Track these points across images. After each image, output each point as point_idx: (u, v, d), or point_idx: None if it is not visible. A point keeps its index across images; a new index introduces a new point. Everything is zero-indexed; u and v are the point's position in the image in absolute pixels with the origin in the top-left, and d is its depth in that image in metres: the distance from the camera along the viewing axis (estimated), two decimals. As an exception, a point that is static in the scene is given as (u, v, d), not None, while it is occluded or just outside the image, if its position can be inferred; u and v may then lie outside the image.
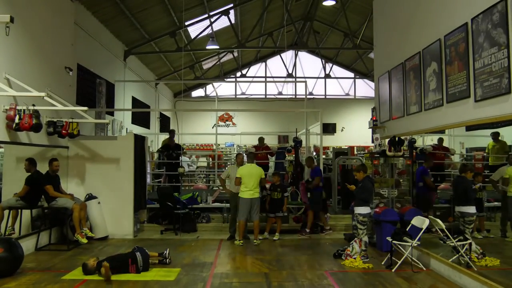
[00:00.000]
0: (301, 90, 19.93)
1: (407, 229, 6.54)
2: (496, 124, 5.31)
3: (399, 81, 7.85)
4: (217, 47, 15.03)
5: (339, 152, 12.12)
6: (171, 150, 11.59)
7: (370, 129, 9.18)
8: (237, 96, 21.81)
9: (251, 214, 8.03)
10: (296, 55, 20.86)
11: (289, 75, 20.43)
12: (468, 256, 6.01)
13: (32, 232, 7.38)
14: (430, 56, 6.59)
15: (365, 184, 6.94)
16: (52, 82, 7.77)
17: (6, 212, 6.95)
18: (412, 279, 5.79)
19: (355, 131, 19.60)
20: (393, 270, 6.10)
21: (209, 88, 22.00)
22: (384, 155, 8.16)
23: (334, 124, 20.27)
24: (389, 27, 8.65)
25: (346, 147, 16.17)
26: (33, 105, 6.60)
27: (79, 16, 9.77)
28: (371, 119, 9.16)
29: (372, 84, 19.87)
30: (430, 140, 11.11)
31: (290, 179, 10.55)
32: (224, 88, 22.04)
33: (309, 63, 21.83)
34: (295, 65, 20.86)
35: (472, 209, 6.53)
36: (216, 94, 16.81)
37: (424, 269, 6.22)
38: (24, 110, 6.46)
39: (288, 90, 20.88)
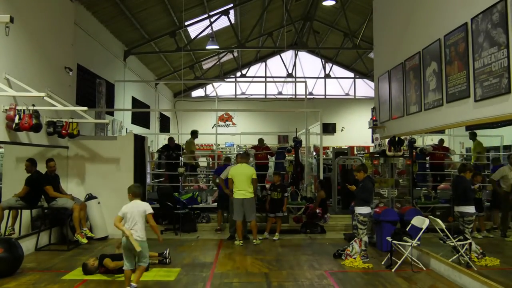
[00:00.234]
0: (301, 90, 19.92)
1: (407, 229, 6.54)
2: (496, 124, 5.31)
3: (399, 81, 7.85)
4: (217, 47, 15.02)
5: (339, 152, 12.13)
6: (171, 150, 11.62)
7: (370, 129, 9.18)
8: (237, 96, 21.81)
9: (246, 215, 8.02)
10: (296, 55, 20.85)
11: (289, 75, 20.43)
12: (468, 256, 6.01)
13: (32, 232, 7.38)
14: (430, 56, 6.59)
15: (365, 184, 6.94)
16: (52, 82, 7.77)
17: (6, 212, 6.96)
18: (412, 279, 5.79)
19: (355, 131, 19.61)
20: (393, 270, 6.10)
21: (209, 88, 21.99)
22: (384, 155, 8.16)
23: (334, 124, 20.30)
24: (389, 27, 8.65)
25: (346, 147, 16.19)
26: (33, 105, 6.59)
27: (79, 16, 9.78)
28: (371, 119, 9.16)
29: (372, 84, 19.87)
30: (430, 140, 11.12)
31: (290, 179, 10.56)
32: (224, 88, 22.03)
33: (309, 63, 21.82)
34: (295, 65, 20.86)
35: (471, 209, 6.52)
36: (216, 94, 16.80)
37: (424, 269, 6.22)
38: (24, 110, 6.46)
39: (288, 90, 20.88)
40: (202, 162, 17.01)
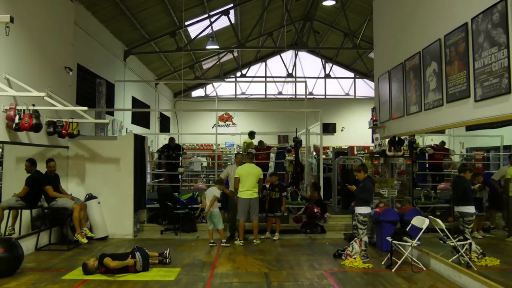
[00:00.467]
0: (301, 90, 19.93)
1: (407, 229, 6.54)
2: (496, 124, 5.30)
3: (399, 81, 7.85)
4: (217, 47, 15.03)
5: (339, 152, 12.13)
6: (171, 150, 11.63)
7: (370, 129, 9.18)
8: (237, 96, 21.81)
9: (250, 214, 8.03)
10: (296, 55, 20.84)
11: (289, 75, 20.43)
12: (468, 256, 6.01)
13: (32, 232, 7.37)
14: (430, 56, 6.59)
15: (366, 184, 6.94)
16: (52, 82, 7.77)
17: (6, 212, 6.95)
18: (412, 279, 5.79)
19: (355, 131, 19.62)
20: (393, 270, 6.10)
21: (209, 88, 22.00)
22: (384, 155, 8.16)
23: (334, 124, 20.32)
24: (389, 27, 8.65)
25: (346, 147, 16.18)
26: (33, 105, 6.59)
27: (79, 16, 9.78)
28: (371, 119, 9.16)
29: (372, 84, 19.87)
30: (430, 140, 11.11)
31: (290, 179, 10.55)
32: (224, 88, 22.03)
33: (309, 63, 21.83)
34: (295, 65, 20.86)
35: (471, 209, 6.52)
36: (216, 94, 16.80)
37: (424, 269, 6.22)
38: (24, 110, 6.46)
39: (288, 90, 20.90)
40: (202, 162, 17.04)
